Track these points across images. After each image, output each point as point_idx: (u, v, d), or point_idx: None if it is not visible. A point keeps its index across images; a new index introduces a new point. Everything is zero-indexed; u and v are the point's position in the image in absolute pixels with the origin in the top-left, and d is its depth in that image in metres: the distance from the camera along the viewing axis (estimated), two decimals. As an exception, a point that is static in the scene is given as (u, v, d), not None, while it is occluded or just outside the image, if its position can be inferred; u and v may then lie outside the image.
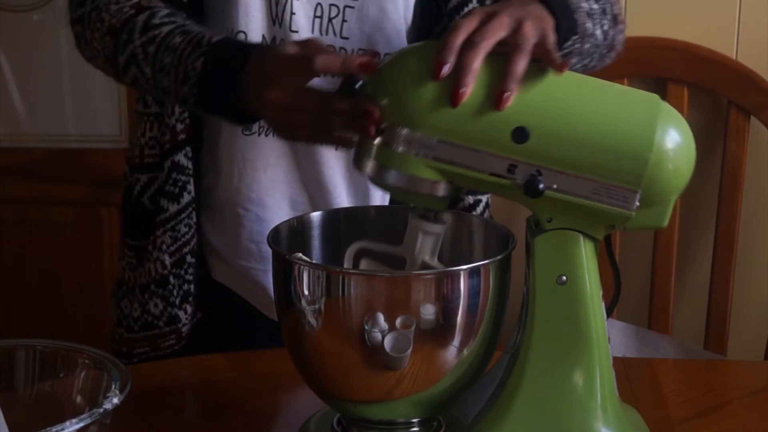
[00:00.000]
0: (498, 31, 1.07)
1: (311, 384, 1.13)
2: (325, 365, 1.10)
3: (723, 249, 1.95)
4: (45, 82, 2.26)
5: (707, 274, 1.98)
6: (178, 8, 1.35)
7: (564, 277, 1.07)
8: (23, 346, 1.10)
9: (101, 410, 0.97)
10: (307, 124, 1.12)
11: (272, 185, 1.41)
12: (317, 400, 1.14)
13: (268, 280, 1.43)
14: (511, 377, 1.09)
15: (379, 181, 1.07)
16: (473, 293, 1.06)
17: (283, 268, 1.10)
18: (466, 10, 1.36)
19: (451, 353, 1.07)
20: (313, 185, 1.42)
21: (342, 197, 1.41)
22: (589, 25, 1.26)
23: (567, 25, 1.20)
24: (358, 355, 1.06)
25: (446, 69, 1.03)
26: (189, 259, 1.44)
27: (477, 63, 1.03)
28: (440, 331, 1.06)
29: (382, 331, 1.04)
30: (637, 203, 1.04)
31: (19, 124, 2.28)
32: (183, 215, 1.42)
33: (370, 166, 1.07)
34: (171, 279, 1.44)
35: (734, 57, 1.98)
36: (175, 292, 1.44)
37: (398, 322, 1.04)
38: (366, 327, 1.04)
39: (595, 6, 1.29)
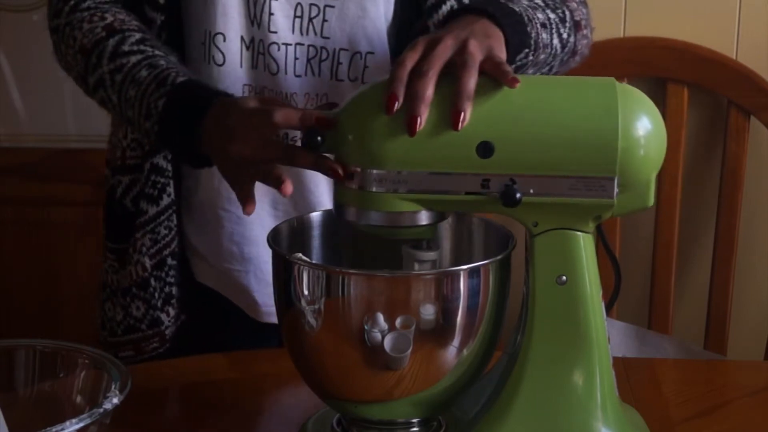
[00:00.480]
0: (443, 55, 1.08)
1: (311, 384, 1.13)
2: (325, 365, 1.10)
3: (723, 249, 1.95)
4: (45, 82, 2.26)
5: (707, 274, 1.98)
6: (155, 9, 1.35)
7: (564, 277, 1.07)
8: (23, 346, 1.10)
9: (101, 410, 0.97)
10: (262, 176, 1.13)
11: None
12: (317, 400, 1.14)
13: (251, 282, 1.43)
14: (511, 377, 1.09)
15: (362, 224, 1.08)
16: (473, 293, 1.06)
17: (283, 268, 1.10)
18: (444, 8, 1.36)
19: (451, 353, 1.07)
20: (294, 185, 1.40)
21: (324, 197, 1.41)
22: (544, 35, 1.27)
23: (518, 38, 1.21)
24: (358, 355, 1.06)
25: (398, 103, 1.04)
26: (170, 261, 1.43)
27: (428, 90, 1.05)
28: (440, 331, 1.06)
29: (382, 331, 1.04)
30: (617, 189, 1.04)
31: (19, 124, 2.28)
32: (163, 217, 1.42)
33: (350, 212, 1.08)
34: (152, 281, 1.43)
35: (734, 57, 1.98)
36: (156, 294, 1.44)
37: (398, 322, 1.04)
38: (366, 327, 1.04)
39: (552, 15, 1.30)
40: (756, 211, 2.02)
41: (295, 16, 1.36)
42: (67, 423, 0.94)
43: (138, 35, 1.33)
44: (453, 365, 1.08)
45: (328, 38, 1.36)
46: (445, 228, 1.19)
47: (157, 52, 1.31)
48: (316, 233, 1.19)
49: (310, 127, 1.08)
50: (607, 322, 1.10)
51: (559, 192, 1.05)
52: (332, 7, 1.36)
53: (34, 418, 1.02)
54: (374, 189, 1.05)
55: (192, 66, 1.36)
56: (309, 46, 1.36)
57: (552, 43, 1.29)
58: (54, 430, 0.93)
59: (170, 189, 1.41)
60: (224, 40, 1.35)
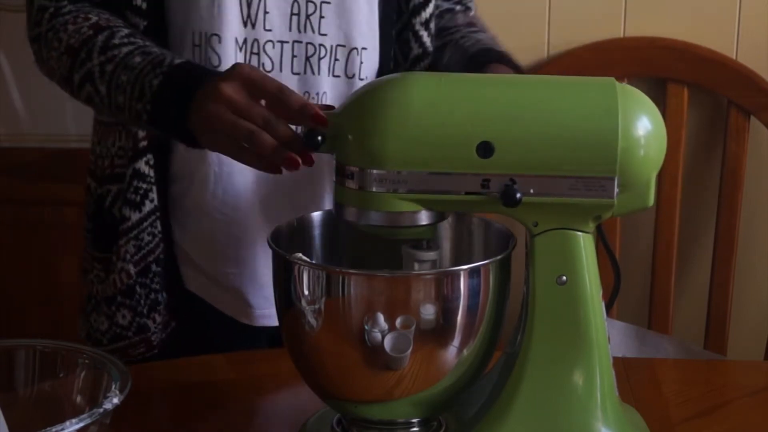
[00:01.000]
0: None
1: (311, 384, 1.13)
2: (325, 365, 1.10)
3: (723, 249, 1.95)
4: (45, 82, 2.25)
5: (707, 274, 1.98)
6: (137, 15, 1.35)
7: (564, 277, 1.07)
8: (23, 346, 1.10)
9: (101, 410, 0.97)
10: (242, 136, 1.12)
11: (245, 187, 1.39)
12: (317, 400, 1.14)
13: (245, 284, 1.42)
14: (511, 377, 1.09)
15: (362, 224, 1.08)
16: (473, 293, 1.06)
17: (283, 268, 1.10)
18: (428, 8, 1.42)
19: (451, 353, 1.07)
20: (292, 184, 1.40)
21: (324, 197, 1.40)
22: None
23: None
24: (358, 355, 1.06)
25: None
26: (154, 268, 1.41)
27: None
28: (440, 331, 1.06)
29: (382, 331, 1.04)
30: (617, 189, 1.04)
31: (19, 124, 2.28)
32: (146, 224, 1.40)
33: (350, 212, 1.08)
34: (137, 288, 1.41)
35: (734, 57, 1.98)
36: (142, 301, 1.42)
37: (398, 322, 1.04)
38: (366, 327, 1.04)
39: (491, 35, 1.47)
40: (756, 211, 2.02)
41: (292, 14, 1.36)
42: (67, 423, 0.94)
43: (126, 30, 1.32)
44: (453, 365, 1.08)
45: (325, 35, 1.37)
46: (445, 228, 1.19)
47: (147, 43, 1.31)
48: (316, 233, 1.19)
49: (309, 124, 1.08)
50: (607, 322, 1.10)
51: (559, 192, 1.05)
52: (329, 3, 1.36)
53: (34, 418, 1.02)
54: (374, 189, 1.05)
55: None
56: (307, 43, 1.36)
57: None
58: (54, 430, 0.93)
59: (153, 195, 1.40)
60: (219, 42, 1.34)
